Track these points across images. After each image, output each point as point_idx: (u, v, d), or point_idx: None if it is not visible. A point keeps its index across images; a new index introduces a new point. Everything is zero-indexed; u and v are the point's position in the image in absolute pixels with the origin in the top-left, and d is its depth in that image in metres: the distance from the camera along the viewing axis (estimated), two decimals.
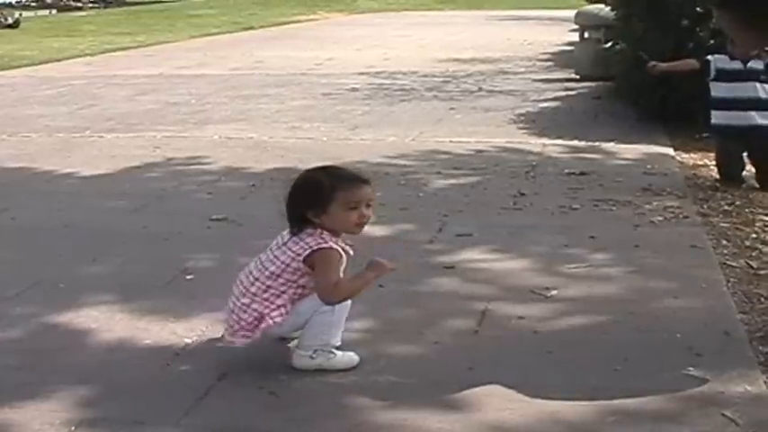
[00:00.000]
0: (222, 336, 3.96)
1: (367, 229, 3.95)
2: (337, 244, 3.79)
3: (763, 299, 4.66)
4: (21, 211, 6.65)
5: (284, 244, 3.85)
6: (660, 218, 6.13)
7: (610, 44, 12.01)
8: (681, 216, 6.17)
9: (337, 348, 3.87)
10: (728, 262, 5.25)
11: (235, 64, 17.25)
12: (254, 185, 7.20)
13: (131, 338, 4.26)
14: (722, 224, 6.03)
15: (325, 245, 3.75)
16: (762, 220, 6.12)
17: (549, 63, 16.64)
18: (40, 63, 18.45)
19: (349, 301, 3.85)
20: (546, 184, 7.12)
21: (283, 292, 3.81)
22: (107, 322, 4.45)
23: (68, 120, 10.88)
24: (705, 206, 6.46)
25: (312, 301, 3.82)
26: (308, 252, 3.74)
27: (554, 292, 4.72)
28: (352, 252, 3.86)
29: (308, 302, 3.82)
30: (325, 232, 3.77)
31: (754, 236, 5.78)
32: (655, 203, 6.46)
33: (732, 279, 4.96)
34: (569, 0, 31.39)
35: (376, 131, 9.48)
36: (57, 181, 7.66)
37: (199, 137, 9.44)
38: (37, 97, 13.20)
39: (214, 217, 6.21)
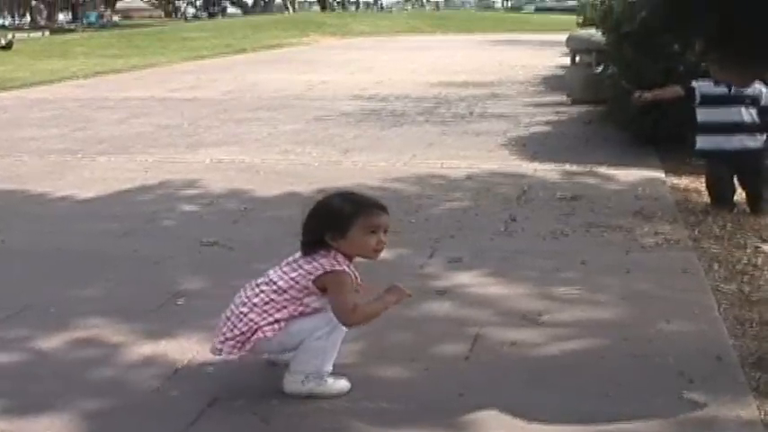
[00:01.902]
0: (211, 346, 3.93)
1: None
2: (349, 268, 3.81)
3: (755, 323, 4.66)
4: (12, 234, 6.63)
5: (295, 261, 3.86)
6: (652, 242, 6.13)
7: (601, 68, 12.03)
8: (672, 240, 6.17)
9: (329, 374, 3.86)
10: (720, 286, 5.25)
11: (227, 87, 17.27)
12: (245, 209, 7.19)
13: (121, 363, 4.24)
14: (714, 248, 6.03)
15: (338, 267, 3.76)
16: (753, 245, 6.12)
17: (541, 87, 16.70)
18: (33, 85, 18.49)
19: (344, 329, 3.85)
20: (537, 208, 7.12)
21: (284, 308, 3.79)
22: (97, 347, 4.43)
23: (60, 142, 10.88)
24: (696, 230, 6.46)
25: (306, 324, 3.81)
26: (320, 272, 3.76)
27: (546, 318, 4.72)
28: (359, 280, 3.87)
29: (300, 323, 3.81)
30: (339, 255, 3.79)
31: (745, 260, 5.77)
32: (646, 228, 6.46)
33: (724, 304, 4.96)
34: (561, 24, 31.52)
35: (368, 155, 9.48)
36: (48, 204, 7.64)
37: (191, 160, 9.43)
38: (29, 119, 13.21)
39: (205, 241, 6.20)
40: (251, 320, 3.78)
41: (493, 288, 5.24)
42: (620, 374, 4.04)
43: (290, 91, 16.21)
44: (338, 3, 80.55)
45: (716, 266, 5.63)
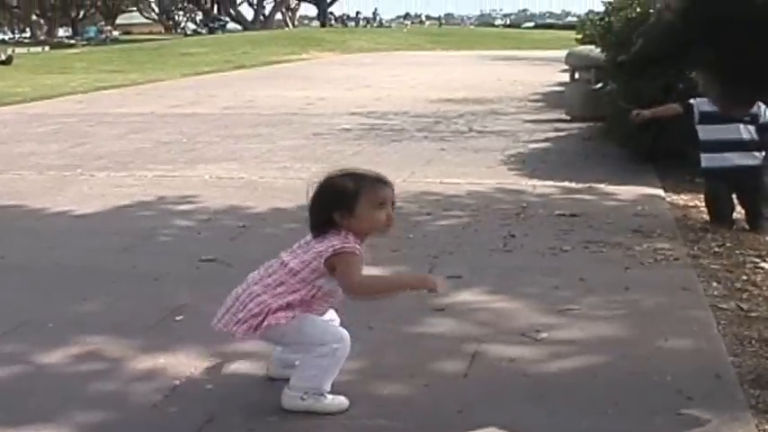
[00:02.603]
0: (215, 323, 3.94)
1: None
2: (361, 247, 3.80)
3: (754, 341, 4.65)
4: (10, 250, 6.63)
5: (307, 243, 3.86)
6: (651, 260, 6.12)
7: (600, 85, 12.04)
8: (671, 258, 6.17)
9: (328, 391, 3.86)
10: (719, 304, 5.23)
11: (226, 103, 17.30)
12: (244, 226, 7.19)
13: (119, 379, 4.23)
14: (713, 266, 6.03)
15: (348, 246, 3.75)
16: (752, 262, 6.12)
17: (540, 103, 16.72)
18: (32, 100, 18.54)
19: (347, 350, 3.84)
20: (536, 225, 7.12)
21: (296, 291, 3.79)
22: (95, 363, 4.43)
23: (59, 158, 10.89)
24: (695, 248, 6.45)
25: (317, 326, 3.83)
26: (330, 251, 3.74)
27: (544, 335, 4.71)
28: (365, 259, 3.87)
29: (312, 324, 3.82)
30: (350, 234, 3.78)
31: (744, 278, 5.77)
32: (645, 245, 6.45)
33: (723, 321, 4.94)
34: (560, 41, 31.57)
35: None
36: (47, 219, 7.64)
37: (189, 176, 9.44)
38: (28, 134, 13.23)
39: (204, 258, 6.19)
40: (263, 302, 3.78)
41: (492, 305, 5.24)
42: (618, 392, 4.03)
43: (288, 107, 16.24)
44: (336, 19, 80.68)
45: (715, 284, 5.63)
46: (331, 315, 4.04)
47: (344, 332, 3.88)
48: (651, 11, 9.00)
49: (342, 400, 3.87)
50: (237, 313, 3.82)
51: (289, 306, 3.78)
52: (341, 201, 3.78)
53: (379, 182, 3.91)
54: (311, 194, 3.88)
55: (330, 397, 3.85)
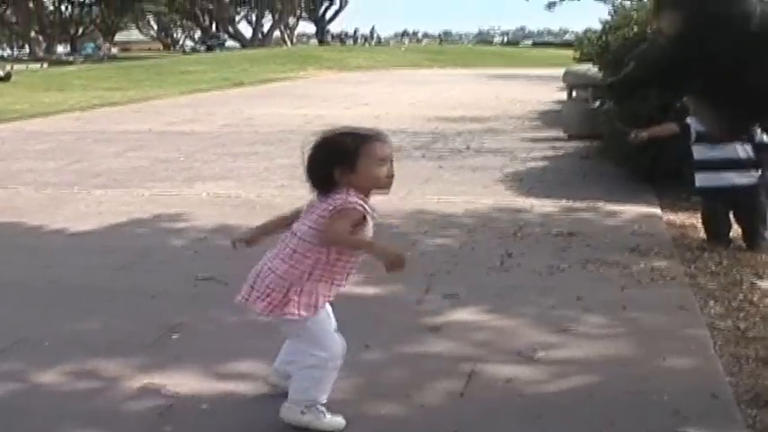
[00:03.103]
0: (240, 299, 3.97)
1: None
2: (365, 204, 3.78)
3: (751, 360, 4.65)
4: (7, 267, 6.63)
5: (311, 206, 3.87)
6: (648, 279, 6.12)
7: (598, 104, 12.05)
8: (668, 277, 6.17)
9: (326, 408, 3.86)
10: (716, 323, 5.23)
11: (224, 121, 17.32)
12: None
13: (115, 398, 4.23)
14: (710, 285, 6.02)
15: (350, 203, 3.74)
16: (749, 281, 6.11)
17: (538, 122, 16.74)
18: (31, 117, 18.55)
19: (338, 362, 3.85)
20: (533, 244, 7.12)
21: (308, 257, 3.79)
22: (91, 381, 4.42)
23: (57, 175, 10.90)
24: (692, 267, 6.45)
25: (321, 330, 3.85)
26: (331, 208, 3.74)
27: (541, 354, 4.70)
28: (376, 216, 3.88)
29: (319, 324, 3.84)
30: (352, 191, 3.76)
31: (741, 297, 5.76)
32: (642, 264, 6.45)
33: (720, 341, 4.94)
34: (558, 59, 31.62)
35: None
36: (44, 237, 7.64)
37: (187, 194, 9.44)
38: (26, 151, 13.23)
39: (200, 276, 6.19)
40: (281, 277, 3.80)
41: (488, 324, 5.23)
42: (614, 412, 4.02)
43: (286, 125, 16.25)
44: (332, 37, 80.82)
45: (712, 303, 5.63)
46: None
47: (338, 345, 3.88)
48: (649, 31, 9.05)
49: (339, 421, 3.88)
50: (259, 288, 3.85)
51: (306, 274, 3.79)
52: (341, 157, 3.77)
53: (378, 138, 3.89)
54: (307, 154, 3.86)
55: (329, 416, 3.85)
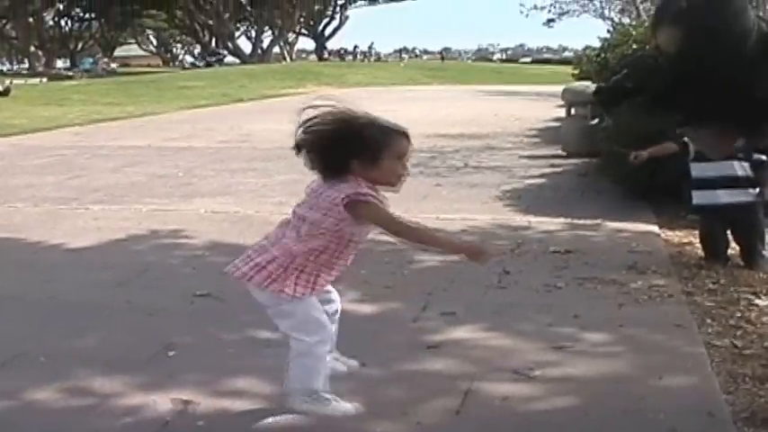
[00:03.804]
0: (230, 269, 4.05)
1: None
2: (377, 194, 3.76)
3: (747, 379, 4.64)
4: (4, 282, 6.62)
5: (316, 192, 3.84)
6: (645, 297, 6.12)
7: (596, 121, 12.07)
8: (665, 295, 6.16)
9: (327, 393, 3.92)
10: (713, 341, 5.23)
11: (223, 137, 17.34)
12: None
13: (110, 415, 4.21)
14: (707, 303, 6.02)
15: (362, 194, 3.71)
16: (746, 299, 6.11)
17: (536, 139, 16.76)
18: (30, 132, 18.58)
19: (326, 346, 3.90)
20: (531, 261, 7.12)
21: (318, 241, 3.80)
22: (87, 398, 4.41)
23: (55, 190, 10.90)
24: (690, 284, 6.45)
25: (311, 313, 3.87)
26: (348, 199, 3.70)
27: (538, 372, 4.69)
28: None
29: (309, 307, 3.87)
30: (362, 180, 3.73)
31: (738, 315, 5.76)
32: (639, 282, 6.45)
33: (717, 359, 4.94)
34: (557, 76, 31.67)
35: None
36: (42, 252, 7.63)
37: (185, 210, 9.44)
38: (24, 167, 13.24)
39: (198, 293, 6.18)
40: (284, 255, 3.83)
41: (485, 342, 5.22)
42: (611, 430, 4.03)
43: (285, 141, 15.97)
44: (330, 53, 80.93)
45: (709, 321, 5.62)
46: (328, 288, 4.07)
47: (325, 329, 3.91)
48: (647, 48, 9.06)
49: (347, 407, 3.93)
50: (258, 261, 3.89)
51: (312, 252, 3.80)
52: (364, 149, 3.72)
53: (403, 134, 3.85)
54: (320, 131, 3.80)
55: (335, 403, 3.92)
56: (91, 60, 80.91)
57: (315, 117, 3.82)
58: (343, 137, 3.77)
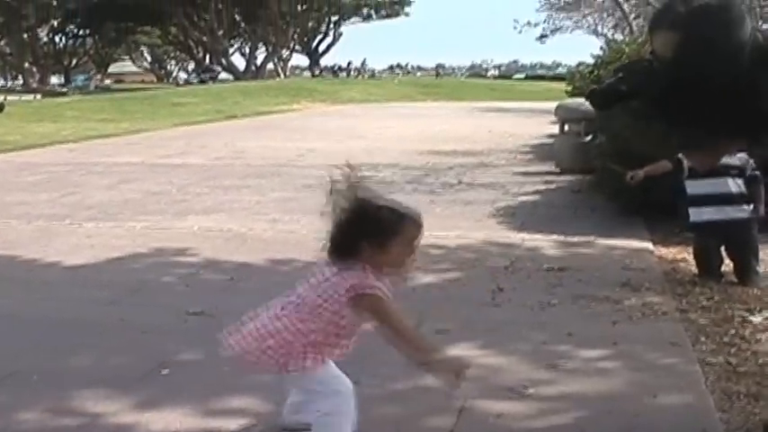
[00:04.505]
0: (229, 343, 3.87)
1: None
2: (381, 281, 3.66)
3: (742, 396, 4.64)
4: None
5: (324, 276, 3.72)
6: (639, 314, 6.12)
7: (590, 138, 12.08)
8: (660, 312, 6.17)
9: None
10: (707, 359, 5.23)
11: (217, 153, 17.33)
12: (232, 279, 7.17)
13: None
14: (701, 320, 6.02)
15: (369, 286, 3.62)
16: (740, 316, 6.11)
17: (530, 155, 16.78)
18: (24, 148, 18.56)
19: (351, 401, 3.78)
20: (525, 279, 7.12)
21: (320, 327, 3.69)
22: (79, 417, 4.40)
23: (49, 207, 10.89)
24: (684, 302, 6.45)
25: (330, 375, 3.76)
26: (348, 287, 3.62)
27: (532, 390, 4.69)
28: (390, 295, 3.75)
29: (328, 371, 3.76)
30: (368, 267, 3.65)
31: (732, 332, 5.76)
32: (633, 299, 6.45)
33: (711, 376, 4.94)
34: (550, 92, 31.74)
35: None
36: (35, 270, 7.62)
37: (179, 227, 9.43)
38: (18, 183, 13.23)
39: (191, 311, 6.17)
40: (284, 339, 3.69)
41: (479, 360, 5.21)
42: None
43: (279, 158, 16.27)
44: (322, 70, 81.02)
45: (703, 338, 5.62)
46: None
47: (346, 386, 3.81)
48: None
49: None
50: (261, 343, 3.73)
51: (315, 345, 3.70)
52: (377, 232, 3.64)
53: (417, 221, 3.78)
54: (341, 215, 3.72)
55: None
56: (83, 77, 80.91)
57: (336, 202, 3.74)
58: (359, 215, 3.70)
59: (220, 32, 75.12)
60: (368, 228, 3.65)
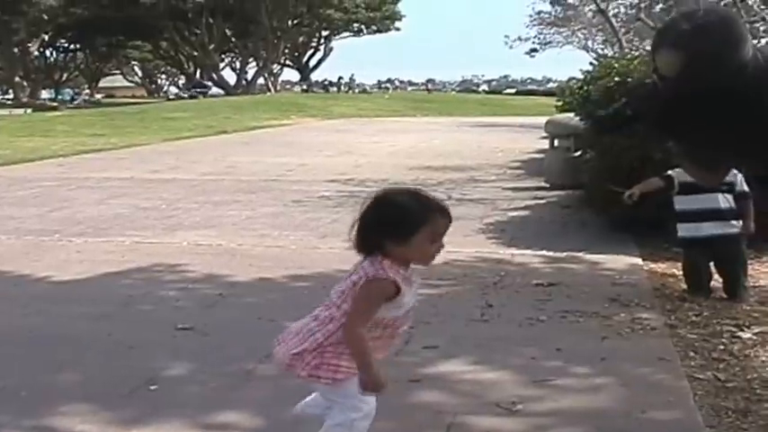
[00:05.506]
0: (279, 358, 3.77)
1: None
2: (399, 274, 3.59)
3: (730, 412, 4.64)
4: None
5: (349, 276, 3.68)
6: (628, 329, 6.12)
7: (579, 153, 12.09)
8: (649, 327, 6.17)
9: None
10: (696, 374, 5.23)
11: (206, 168, 17.33)
12: (221, 294, 7.15)
13: None
14: (690, 335, 6.03)
15: (381, 274, 3.55)
16: (729, 331, 6.12)
17: (520, 171, 16.80)
18: (13, 163, 18.54)
19: (368, 420, 3.74)
20: (514, 294, 7.12)
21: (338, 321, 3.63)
22: None
23: (38, 222, 10.87)
24: (673, 317, 6.46)
25: (351, 390, 3.68)
26: (363, 281, 3.56)
27: (520, 406, 4.69)
28: (416, 285, 3.74)
29: (348, 387, 3.67)
30: (386, 260, 3.57)
31: (721, 347, 5.77)
32: (622, 315, 6.45)
33: (700, 392, 4.94)
34: (540, 108, 31.81)
35: (345, 240, 9.40)
36: (23, 285, 7.60)
37: (168, 243, 9.41)
38: (7, 198, 13.20)
39: (180, 326, 6.15)
40: (316, 340, 3.63)
41: (468, 376, 5.21)
42: None
43: (269, 173, 16.28)
44: (310, 85, 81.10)
45: (692, 354, 5.62)
46: None
47: (370, 406, 3.74)
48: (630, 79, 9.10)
49: None
50: (296, 347, 3.67)
51: (342, 356, 3.62)
52: (400, 227, 3.56)
53: (444, 212, 3.69)
54: (364, 207, 3.65)
55: None
56: (71, 92, 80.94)
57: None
58: (380, 211, 3.64)
59: (211, 47, 75.20)
60: (391, 222, 3.58)
